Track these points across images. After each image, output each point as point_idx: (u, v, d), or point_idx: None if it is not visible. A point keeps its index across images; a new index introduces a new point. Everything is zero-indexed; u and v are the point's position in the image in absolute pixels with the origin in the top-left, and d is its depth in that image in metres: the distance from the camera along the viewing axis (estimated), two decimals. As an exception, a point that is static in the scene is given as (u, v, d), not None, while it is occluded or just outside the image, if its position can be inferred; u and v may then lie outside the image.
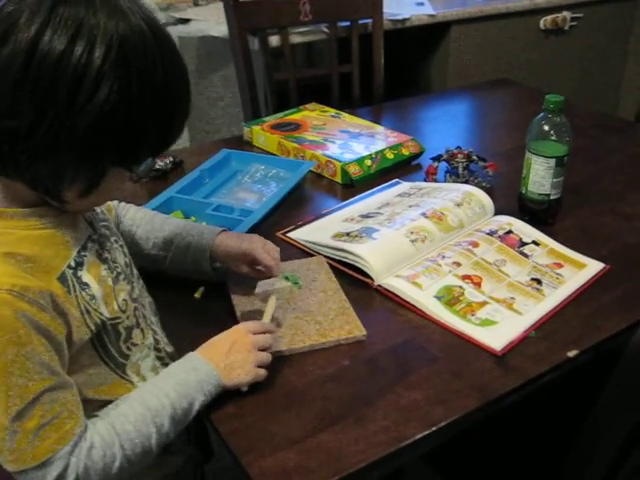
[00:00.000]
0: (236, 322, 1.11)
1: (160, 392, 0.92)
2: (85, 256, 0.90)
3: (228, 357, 0.97)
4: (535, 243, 1.33)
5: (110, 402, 0.92)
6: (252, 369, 0.97)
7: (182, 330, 1.11)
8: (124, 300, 0.94)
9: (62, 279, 0.85)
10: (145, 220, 1.22)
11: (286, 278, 1.21)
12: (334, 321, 1.11)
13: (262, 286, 1.19)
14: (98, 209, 1.01)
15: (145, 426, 0.89)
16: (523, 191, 1.42)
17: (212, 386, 0.95)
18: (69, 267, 0.86)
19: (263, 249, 1.15)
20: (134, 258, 1.10)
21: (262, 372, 0.99)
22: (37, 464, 0.82)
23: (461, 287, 1.19)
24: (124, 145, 0.80)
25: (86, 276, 0.88)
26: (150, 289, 1.10)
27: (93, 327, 0.88)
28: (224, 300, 1.17)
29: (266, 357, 1.00)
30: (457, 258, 1.25)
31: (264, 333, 1.02)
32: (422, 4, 2.75)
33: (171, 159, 1.66)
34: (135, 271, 1.04)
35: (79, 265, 0.88)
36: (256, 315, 1.12)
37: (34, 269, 0.82)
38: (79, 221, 0.92)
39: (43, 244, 0.85)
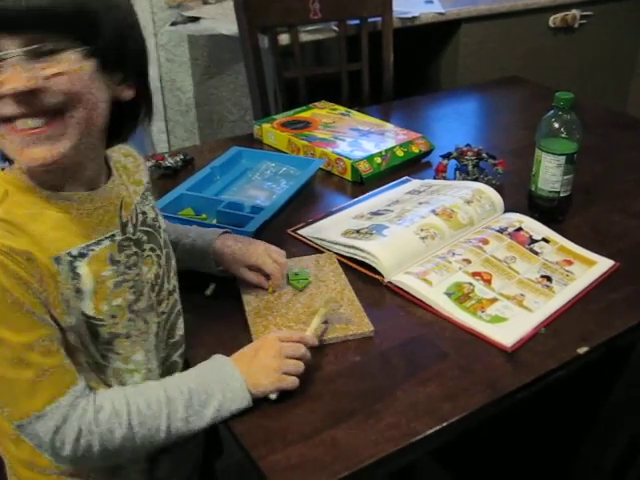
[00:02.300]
0: (245, 319, 1.12)
1: (180, 381, 0.94)
2: (92, 250, 0.90)
3: (252, 363, 0.97)
4: (545, 240, 1.33)
5: None
6: (276, 376, 0.96)
7: (191, 327, 1.12)
8: (118, 306, 0.92)
9: (57, 260, 0.85)
10: None
11: (295, 274, 1.22)
12: (342, 317, 1.11)
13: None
14: (151, 213, 1.03)
15: (157, 405, 0.91)
16: (533, 188, 1.42)
17: (234, 389, 0.94)
18: (69, 254, 0.87)
19: (267, 255, 1.18)
20: None
21: (289, 379, 0.96)
22: (36, 415, 0.84)
23: (471, 284, 1.19)
24: None
25: (83, 268, 0.88)
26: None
27: (69, 319, 0.87)
28: (234, 297, 1.18)
29: (294, 365, 0.97)
30: (467, 255, 1.26)
31: (296, 342, 1.01)
32: (431, 2, 2.74)
33: (181, 157, 1.66)
34: (167, 286, 1.03)
35: (81, 256, 0.88)
36: (265, 312, 1.13)
37: (28, 242, 0.83)
38: (107, 217, 0.93)
39: (53, 225, 0.86)
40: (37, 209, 0.86)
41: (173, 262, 1.06)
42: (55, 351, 0.86)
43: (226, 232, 1.22)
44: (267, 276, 1.19)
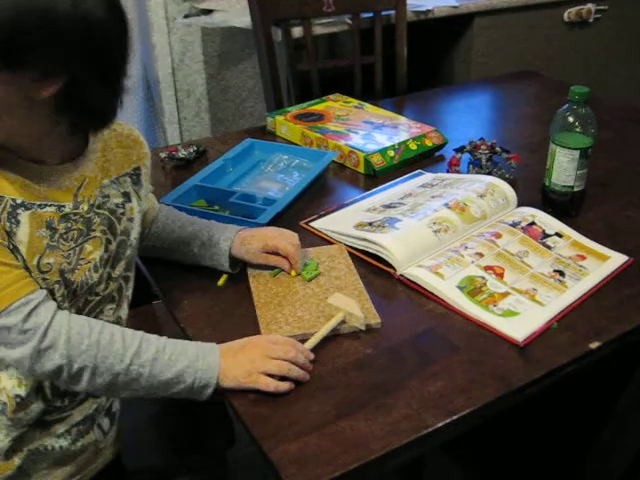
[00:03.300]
0: (254, 310, 1.13)
1: (163, 337, 0.98)
2: (40, 208, 0.95)
3: (235, 356, 0.98)
4: (558, 235, 1.32)
5: None
6: (253, 375, 0.96)
7: (202, 316, 1.12)
8: (49, 264, 0.95)
9: None
10: (168, 219, 1.25)
11: (305, 265, 1.22)
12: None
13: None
14: (117, 198, 1.04)
15: (132, 338, 0.95)
16: (547, 183, 1.41)
17: (207, 361, 0.96)
18: (12, 200, 0.92)
19: (282, 238, 1.19)
20: (154, 251, 1.17)
21: (264, 380, 0.96)
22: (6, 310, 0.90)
23: (483, 278, 1.19)
24: None
25: (24, 217, 0.93)
26: (175, 274, 1.12)
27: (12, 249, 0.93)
28: (246, 288, 1.18)
29: (276, 366, 0.96)
30: (480, 249, 1.25)
31: (287, 347, 1.00)
32: (445, -5, 2.74)
33: (195, 148, 1.67)
34: (110, 271, 1.05)
35: (24, 207, 0.93)
36: (274, 303, 1.13)
37: None
38: (63, 189, 0.98)
39: (10, 172, 0.93)
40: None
41: (129, 252, 1.08)
42: (13, 257, 0.91)
43: (242, 229, 1.23)
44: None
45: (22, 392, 0.99)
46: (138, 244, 1.11)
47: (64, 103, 0.88)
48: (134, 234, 1.09)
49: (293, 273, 1.20)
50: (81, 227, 0.99)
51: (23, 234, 0.93)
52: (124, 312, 1.11)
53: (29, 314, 0.90)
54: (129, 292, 1.11)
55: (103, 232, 1.03)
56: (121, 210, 1.06)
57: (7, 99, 0.85)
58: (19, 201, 0.93)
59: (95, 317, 1.04)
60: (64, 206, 0.97)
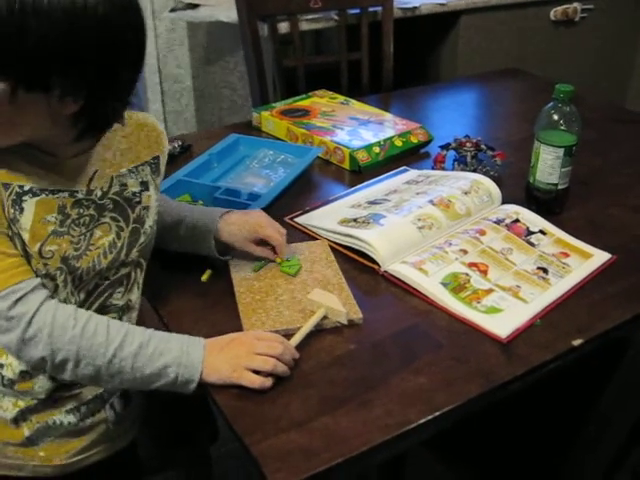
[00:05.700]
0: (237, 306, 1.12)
1: (149, 329, 0.98)
2: (46, 194, 0.95)
3: (220, 352, 0.98)
4: (542, 232, 1.33)
5: None
6: (237, 372, 0.95)
7: (185, 311, 1.12)
8: (51, 251, 0.96)
9: (5, 186, 0.93)
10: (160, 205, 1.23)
11: (287, 260, 1.22)
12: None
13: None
14: (134, 187, 1.05)
15: (116, 331, 0.95)
16: (531, 180, 1.42)
17: (191, 359, 0.95)
18: (20, 187, 0.93)
19: (273, 229, 1.20)
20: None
21: (249, 377, 0.95)
22: None
23: (467, 274, 1.19)
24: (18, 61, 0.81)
25: (29, 204, 0.94)
26: (158, 268, 1.12)
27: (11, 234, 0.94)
28: (229, 284, 1.18)
29: (261, 361, 0.95)
30: (464, 246, 1.26)
31: (274, 343, 0.99)
32: (432, -8, 2.74)
33: (180, 143, 1.66)
34: (123, 257, 1.05)
35: (31, 194, 0.94)
36: (256, 298, 1.13)
37: None
38: (76, 178, 0.98)
39: (18, 167, 0.94)
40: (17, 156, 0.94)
41: (142, 239, 1.08)
42: (10, 245, 0.92)
43: (229, 212, 1.23)
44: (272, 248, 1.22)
45: (28, 368, 1.01)
46: (154, 232, 1.12)
47: (81, 115, 0.90)
48: (149, 222, 1.09)
49: (279, 260, 1.21)
50: (92, 213, 1.00)
51: (26, 221, 0.93)
52: (134, 295, 1.11)
53: (15, 302, 0.91)
54: (140, 277, 1.11)
55: (113, 219, 1.03)
56: (137, 199, 1.06)
57: (35, 115, 0.87)
58: (27, 188, 0.93)
59: (105, 300, 1.06)
60: (77, 192, 0.98)
